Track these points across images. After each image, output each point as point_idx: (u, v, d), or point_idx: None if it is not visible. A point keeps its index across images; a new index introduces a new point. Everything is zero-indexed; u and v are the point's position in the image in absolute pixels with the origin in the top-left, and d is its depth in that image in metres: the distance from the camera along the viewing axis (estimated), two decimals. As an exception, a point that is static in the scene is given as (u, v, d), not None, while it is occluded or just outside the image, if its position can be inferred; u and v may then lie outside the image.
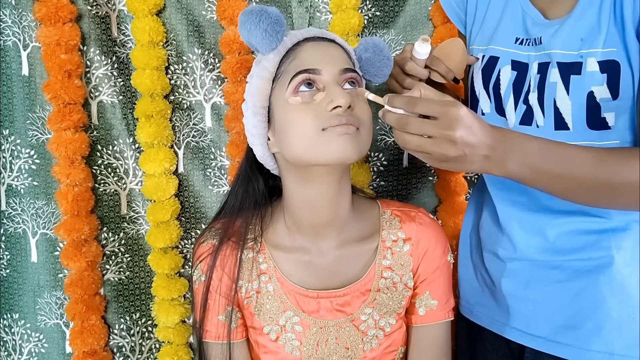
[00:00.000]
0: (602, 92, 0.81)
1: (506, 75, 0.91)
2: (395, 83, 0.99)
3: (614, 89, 0.80)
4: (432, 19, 1.15)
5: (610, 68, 0.80)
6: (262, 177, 0.96)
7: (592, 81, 0.81)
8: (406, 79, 0.96)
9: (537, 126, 0.87)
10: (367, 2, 1.14)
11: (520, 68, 0.89)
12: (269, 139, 0.88)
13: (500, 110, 0.92)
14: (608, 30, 0.80)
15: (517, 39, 0.91)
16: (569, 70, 0.83)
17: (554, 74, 0.84)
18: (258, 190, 0.95)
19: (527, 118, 0.88)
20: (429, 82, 0.96)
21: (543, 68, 0.86)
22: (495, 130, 0.73)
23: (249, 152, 0.95)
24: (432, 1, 1.15)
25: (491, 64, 0.93)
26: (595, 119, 0.82)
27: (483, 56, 0.95)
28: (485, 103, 0.94)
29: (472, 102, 0.98)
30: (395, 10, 1.16)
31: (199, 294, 0.93)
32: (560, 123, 0.84)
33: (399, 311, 0.93)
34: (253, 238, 0.92)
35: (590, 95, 0.81)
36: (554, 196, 0.79)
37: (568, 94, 0.83)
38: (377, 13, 1.15)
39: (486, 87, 0.94)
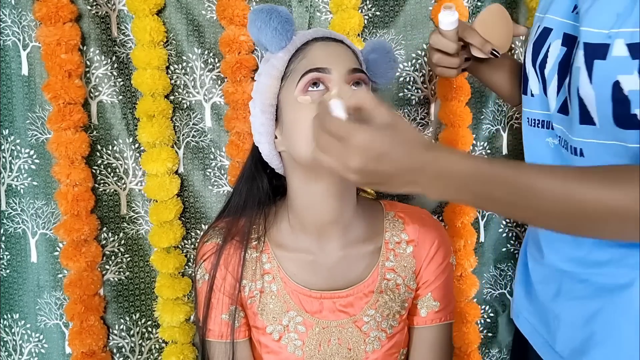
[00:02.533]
0: (631, 83, 0.63)
1: (554, 52, 0.76)
2: (432, 63, 0.93)
3: None
4: (434, 19, 1.15)
5: None
6: (266, 176, 0.96)
7: (618, 68, 0.64)
8: (435, 54, 0.88)
9: (570, 118, 0.73)
10: (367, 2, 1.14)
11: (571, 45, 0.73)
12: (275, 137, 0.88)
13: (544, 92, 0.79)
14: None
15: (575, 7, 0.74)
16: (594, 53, 0.67)
17: (579, 57, 0.69)
18: (262, 190, 0.95)
19: (564, 106, 0.75)
20: (474, 58, 0.89)
21: (575, 48, 0.71)
22: (419, 154, 0.63)
23: (254, 150, 0.95)
24: (433, 1, 1.15)
25: (543, 36, 0.78)
26: (623, 115, 0.65)
27: (538, 27, 0.80)
28: (534, 83, 0.80)
29: (523, 82, 0.84)
30: (395, 10, 1.16)
31: (202, 292, 0.93)
32: (585, 116, 0.69)
33: (401, 313, 0.94)
34: (257, 237, 0.92)
35: (616, 86, 0.65)
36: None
37: (591, 82, 0.67)
38: (377, 13, 1.15)
39: (534, 64, 0.80)
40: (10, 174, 1.12)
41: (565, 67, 0.74)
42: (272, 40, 0.83)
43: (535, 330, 0.85)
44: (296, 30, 0.88)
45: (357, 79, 0.84)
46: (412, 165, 0.63)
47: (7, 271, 1.14)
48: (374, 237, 0.93)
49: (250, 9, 1.12)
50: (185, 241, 1.17)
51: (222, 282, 0.92)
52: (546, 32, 0.77)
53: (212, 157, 1.16)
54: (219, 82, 1.14)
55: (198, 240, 0.99)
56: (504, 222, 1.26)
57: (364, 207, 0.95)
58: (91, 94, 1.12)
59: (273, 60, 0.86)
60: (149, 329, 1.18)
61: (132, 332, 1.17)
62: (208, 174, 1.16)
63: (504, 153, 1.25)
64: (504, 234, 1.26)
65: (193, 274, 1.17)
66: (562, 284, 0.79)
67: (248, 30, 0.85)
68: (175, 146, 1.15)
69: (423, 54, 1.17)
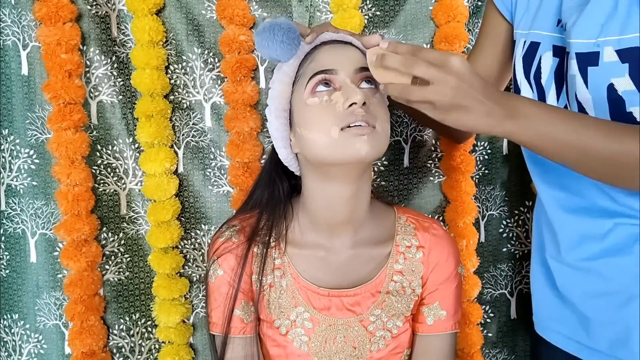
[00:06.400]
0: (624, 84, 0.73)
1: (547, 63, 0.84)
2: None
3: (639, 79, 0.72)
4: (434, 19, 1.15)
5: (633, 57, 0.72)
6: (286, 179, 0.98)
7: (610, 72, 0.74)
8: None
9: None
10: (368, 2, 1.14)
11: (562, 54, 0.82)
12: (291, 140, 0.90)
13: (542, 100, 0.85)
14: (629, 13, 0.72)
15: (559, 22, 0.82)
16: (587, 61, 0.76)
17: (572, 67, 0.78)
18: (283, 192, 0.97)
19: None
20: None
21: (567, 58, 0.80)
22: (495, 89, 0.73)
23: (274, 154, 0.97)
24: (433, 1, 1.15)
25: (532, 50, 0.87)
26: (620, 113, 0.75)
27: (524, 42, 0.88)
28: (527, 93, 0.88)
29: (515, 93, 0.91)
30: (395, 9, 1.16)
31: (215, 288, 0.93)
32: None
33: (406, 314, 0.94)
34: (276, 237, 0.93)
35: (611, 88, 0.74)
36: (568, 167, 0.75)
37: (587, 87, 0.76)
38: (378, 12, 1.15)
39: (527, 76, 0.87)
40: (9, 173, 1.12)
41: (560, 76, 0.82)
42: (282, 53, 0.86)
43: (568, 338, 0.88)
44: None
45: (365, 77, 0.86)
46: (493, 97, 0.71)
47: (7, 271, 1.13)
48: (384, 239, 0.95)
49: (250, 10, 1.12)
50: (185, 241, 1.17)
51: (235, 278, 0.92)
52: (534, 46, 0.85)
53: (212, 157, 1.16)
54: (219, 82, 1.14)
55: (209, 239, 0.99)
56: (504, 223, 1.26)
57: (376, 210, 0.96)
58: (91, 94, 1.12)
59: (284, 67, 0.89)
60: (149, 329, 1.18)
61: (131, 332, 1.16)
62: (208, 174, 1.16)
63: (504, 153, 1.24)
64: (504, 234, 1.26)
65: (192, 275, 1.17)
66: (584, 284, 0.85)
67: (258, 51, 0.88)
68: (175, 146, 1.15)
69: (423, 53, 1.17)
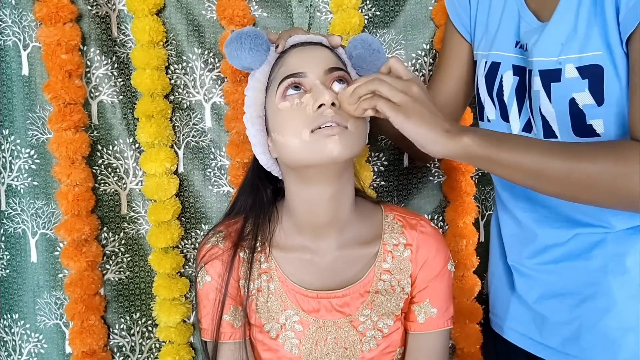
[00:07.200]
0: (584, 99, 0.78)
1: (508, 81, 0.89)
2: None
3: (597, 94, 0.77)
4: (434, 19, 1.15)
5: (592, 73, 0.77)
6: (269, 184, 0.98)
7: (572, 87, 0.79)
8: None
9: (535, 134, 0.86)
10: (367, 2, 1.14)
11: (522, 73, 0.88)
12: (269, 146, 0.91)
13: (505, 116, 0.91)
14: (587, 34, 0.78)
15: (517, 43, 0.89)
16: (549, 77, 0.81)
17: (536, 83, 0.83)
18: (266, 197, 0.97)
19: (528, 125, 0.88)
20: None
21: (530, 75, 0.85)
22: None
23: (255, 160, 0.97)
24: (433, 1, 1.15)
25: (493, 70, 0.92)
26: (581, 126, 0.80)
27: (486, 62, 0.94)
28: (491, 110, 0.93)
29: (479, 109, 0.97)
30: (395, 10, 1.16)
31: (203, 295, 0.93)
32: (548, 131, 0.83)
33: (396, 313, 0.94)
34: (261, 241, 0.93)
35: (572, 102, 0.79)
36: (522, 184, 0.77)
37: (550, 101, 0.81)
38: (377, 13, 1.15)
39: (490, 94, 0.93)
40: (10, 174, 1.12)
41: (521, 93, 0.87)
42: (252, 60, 0.88)
43: (524, 336, 0.95)
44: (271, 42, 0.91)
45: (336, 77, 0.86)
46: (446, 119, 0.75)
47: (7, 271, 1.14)
48: (372, 238, 0.94)
49: (250, 11, 1.12)
50: (185, 241, 1.17)
51: (222, 283, 0.92)
52: (495, 66, 0.91)
53: (212, 157, 1.16)
54: (219, 82, 1.14)
55: (199, 243, 0.99)
56: (503, 222, 1.26)
57: (363, 209, 0.96)
58: (91, 94, 1.12)
59: (257, 74, 0.90)
60: (149, 328, 1.18)
61: (132, 332, 1.17)
62: (208, 174, 1.16)
63: None
64: (504, 234, 1.26)
65: (193, 275, 1.17)
66: (543, 287, 0.91)
67: (230, 62, 0.90)
68: (175, 146, 1.15)
69: (423, 54, 1.17)
